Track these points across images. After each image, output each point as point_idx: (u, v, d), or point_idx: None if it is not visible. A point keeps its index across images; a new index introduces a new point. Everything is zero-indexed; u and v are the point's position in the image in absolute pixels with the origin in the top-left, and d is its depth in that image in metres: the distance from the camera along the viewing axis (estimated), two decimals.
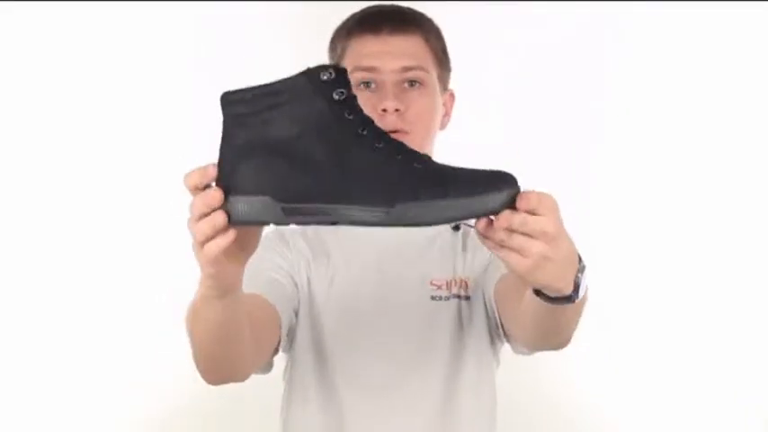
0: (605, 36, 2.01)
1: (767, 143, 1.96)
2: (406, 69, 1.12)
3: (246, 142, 0.74)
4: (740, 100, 1.94)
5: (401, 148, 0.74)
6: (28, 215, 1.88)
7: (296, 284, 1.17)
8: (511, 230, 0.72)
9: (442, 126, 1.21)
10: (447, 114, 1.23)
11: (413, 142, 1.10)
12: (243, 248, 0.81)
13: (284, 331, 1.11)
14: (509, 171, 0.73)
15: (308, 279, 1.17)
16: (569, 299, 0.79)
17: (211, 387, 1.02)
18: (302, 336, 1.17)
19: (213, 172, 0.77)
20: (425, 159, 0.75)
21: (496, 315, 1.11)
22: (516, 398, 1.30)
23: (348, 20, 1.19)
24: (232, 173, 0.75)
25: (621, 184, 2.01)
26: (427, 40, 1.15)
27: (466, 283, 1.16)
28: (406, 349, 1.13)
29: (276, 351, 1.12)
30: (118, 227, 1.94)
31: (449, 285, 1.15)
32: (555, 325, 0.92)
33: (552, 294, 0.79)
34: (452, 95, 1.23)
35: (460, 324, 1.15)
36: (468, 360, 1.15)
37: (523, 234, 0.71)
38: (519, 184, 0.73)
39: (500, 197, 0.70)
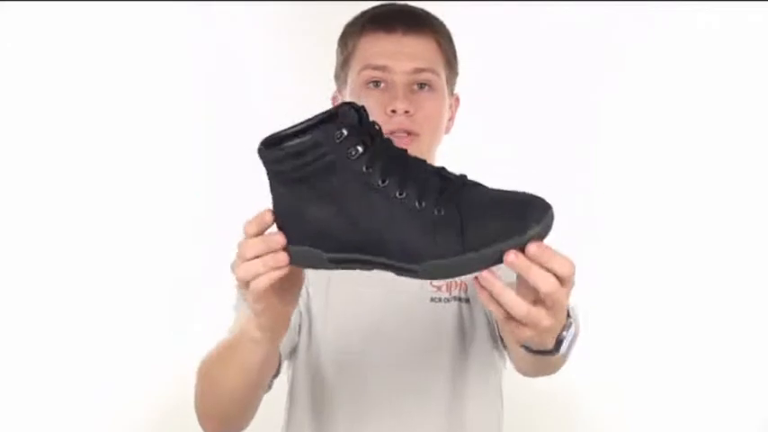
0: (605, 36, 2.01)
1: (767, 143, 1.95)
2: (418, 71, 1.10)
3: (289, 196, 0.75)
4: (741, 100, 1.94)
5: (422, 192, 0.71)
6: (27, 216, 1.88)
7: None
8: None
9: (447, 130, 1.20)
10: (452, 119, 1.22)
11: (421, 145, 1.09)
12: (291, 285, 0.82)
13: (284, 356, 1.10)
14: (539, 196, 0.71)
15: (305, 287, 1.16)
16: (550, 353, 0.80)
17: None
18: (301, 341, 1.16)
19: (270, 219, 0.77)
20: (447, 199, 0.71)
21: (495, 323, 1.10)
22: (520, 400, 1.29)
23: (360, 16, 1.16)
24: (281, 223, 0.76)
25: (622, 185, 2.00)
26: (440, 43, 1.14)
27: (465, 284, 1.15)
28: (407, 355, 1.11)
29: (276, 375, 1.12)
30: (118, 227, 1.94)
31: (449, 287, 1.14)
32: (543, 366, 0.93)
33: (534, 348, 0.80)
34: (458, 100, 1.23)
35: (462, 327, 1.13)
36: (471, 365, 1.13)
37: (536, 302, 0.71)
38: (551, 208, 0.71)
39: (528, 235, 0.68)
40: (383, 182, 0.71)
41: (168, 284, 1.97)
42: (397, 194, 0.71)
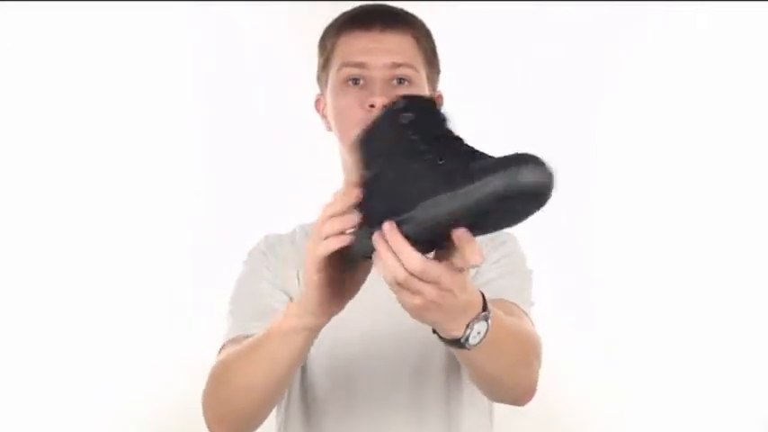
0: (603, 37, 2.01)
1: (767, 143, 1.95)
2: (396, 66, 1.10)
3: (373, 179, 0.76)
4: (740, 100, 1.94)
5: (436, 143, 0.74)
6: (27, 216, 1.88)
7: (291, 299, 1.15)
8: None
9: None
10: None
11: None
12: (349, 286, 0.83)
13: None
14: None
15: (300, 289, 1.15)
16: (458, 343, 0.78)
17: (200, 393, 1.01)
18: None
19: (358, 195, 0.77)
20: (456, 148, 0.74)
21: None
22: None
23: (338, 17, 1.17)
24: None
25: (622, 185, 2.00)
26: (418, 40, 1.14)
27: None
28: (400, 367, 1.10)
29: None
30: (118, 228, 1.94)
31: None
32: (474, 372, 0.92)
33: (441, 334, 0.79)
34: (441, 97, 1.23)
35: None
36: (466, 382, 1.11)
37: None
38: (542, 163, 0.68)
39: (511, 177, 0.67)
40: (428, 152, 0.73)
41: (168, 285, 1.97)
42: (439, 161, 0.72)
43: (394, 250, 0.70)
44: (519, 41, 2.07)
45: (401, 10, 1.15)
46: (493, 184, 0.66)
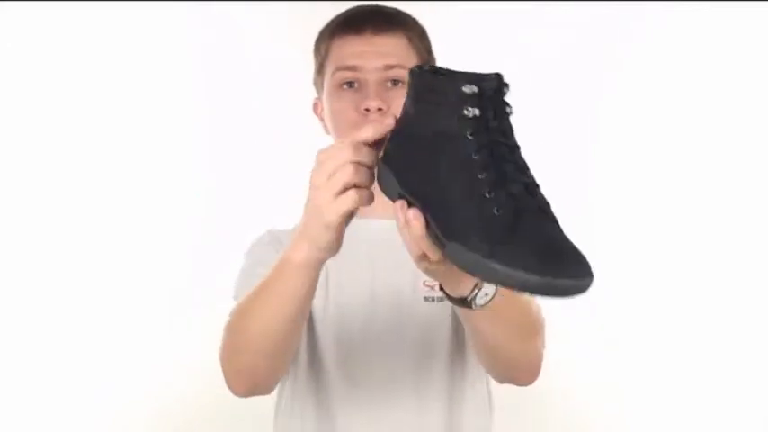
0: (601, 37, 2.01)
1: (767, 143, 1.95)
2: (389, 68, 1.10)
3: (406, 130, 0.76)
4: (739, 100, 1.94)
5: (498, 185, 0.70)
6: (26, 216, 1.88)
7: None
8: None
9: None
10: None
11: None
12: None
13: None
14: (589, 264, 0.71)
15: None
16: (465, 302, 0.80)
17: (203, 391, 1.01)
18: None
19: (392, 122, 0.78)
20: (512, 209, 0.69)
21: None
22: (521, 400, 1.29)
23: (331, 21, 1.17)
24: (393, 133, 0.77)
25: (622, 185, 2.01)
26: (411, 40, 1.14)
27: None
28: (401, 355, 1.11)
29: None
30: (118, 228, 1.94)
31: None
32: (478, 339, 0.93)
33: (448, 292, 0.81)
34: None
35: (456, 328, 1.14)
36: (467, 363, 1.12)
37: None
38: (591, 277, 0.69)
39: (553, 283, 0.67)
40: (475, 155, 0.71)
41: (168, 285, 1.97)
42: (480, 175, 0.70)
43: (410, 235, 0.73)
44: (517, 41, 2.07)
45: (394, 10, 1.15)
46: (527, 282, 0.66)
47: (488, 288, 0.80)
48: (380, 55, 1.09)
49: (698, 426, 1.91)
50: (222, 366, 0.97)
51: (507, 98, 0.75)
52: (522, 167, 0.74)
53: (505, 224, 0.68)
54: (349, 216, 0.80)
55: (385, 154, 0.78)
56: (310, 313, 1.13)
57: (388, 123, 0.77)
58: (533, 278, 0.66)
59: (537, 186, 0.73)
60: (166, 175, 2.00)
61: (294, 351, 1.00)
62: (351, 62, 1.09)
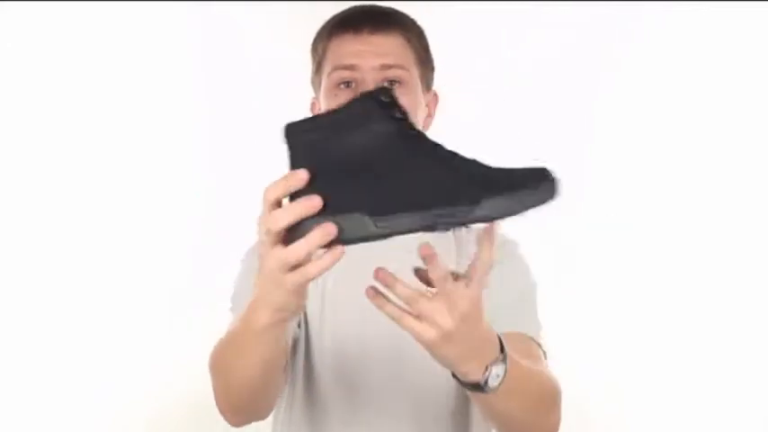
0: (599, 37, 2.01)
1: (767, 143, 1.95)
2: (386, 67, 1.09)
3: (324, 164, 0.73)
4: (738, 100, 1.94)
5: (451, 153, 0.75)
6: (26, 216, 1.87)
7: None
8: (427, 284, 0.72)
9: (425, 127, 1.20)
10: (430, 115, 1.21)
11: None
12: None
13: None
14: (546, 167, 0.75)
15: None
16: (478, 387, 0.78)
17: (203, 391, 1.01)
18: (299, 340, 1.15)
19: (305, 176, 0.70)
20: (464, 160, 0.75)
21: None
22: None
23: (329, 21, 1.17)
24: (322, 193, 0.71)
25: (622, 185, 2.00)
26: (408, 39, 1.13)
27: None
28: (405, 359, 1.08)
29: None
30: (118, 228, 1.94)
31: None
32: (492, 416, 0.91)
33: (460, 378, 0.79)
34: (436, 96, 1.22)
35: None
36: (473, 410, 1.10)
37: (435, 300, 0.72)
38: (556, 176, 0.74)
39: (536, 196, 0.73)
40: (423, 143, 0.74)
41: (168, 285, 1.97)
42: (435, 154, 0.73)
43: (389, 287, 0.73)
44: (515, 41, 2.07)
45: (391, 10, 1.15)
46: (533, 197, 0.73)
47: (498, 368, 0.78)
48: (378, 54, 1.09)
49: (698, 426, 1.91)
50: (215, 401, 0.98)
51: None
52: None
53: (469, 168, 0.74)
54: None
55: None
56: (304, 319, 1.12)
57: (302, 175, 0.72)
58: (533, 194, 0.73)
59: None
60: (166, 175, 2.00)
61: (282, 384, 1.00)
62: (348, 61, 1.09)
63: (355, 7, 1.16)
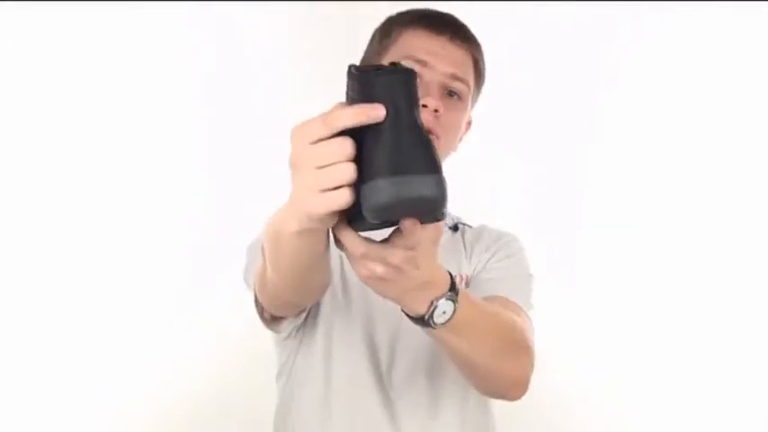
0: (599, 37, 2.01)
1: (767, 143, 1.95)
2: (455, 77, 1.12)
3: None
4: (738, 100, 1.94)
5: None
6: (27, 216, 1.87)
7: None
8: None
9: (455, 148, 1.22)
10: (461, 138, 1.24)
11: (439, 149, 1.10)
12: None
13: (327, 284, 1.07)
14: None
15: None
16: (423, 321, 0.80)
17: (203, 391, 1.01)
18: (310, 337, 1.16)
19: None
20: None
21: None
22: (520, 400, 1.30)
23: (407, 13, 1.18)
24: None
25: (622, 185, 2.00)
26: (476, 59, 1.17)
27: (468, 278, 1.16)
28: (414, 350, 1.11)
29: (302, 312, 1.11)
30: (118, 228, 1.94)
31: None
32: (453, 356, 0.92)
33: (405, 311, 0.81)
34: (470, 123, 1.25)
35: None
36: None
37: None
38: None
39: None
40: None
41: (168, 285, 1.97)
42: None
43: (338, 238, 0.74)
44: (515, 41, 2.07)
45: (466, 26, 1.18)
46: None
47: (445, 305, 0.80)
48: (452, 62, 1.12)
49: (698, 426, 1.91)
50: (259, 296, 1.00)
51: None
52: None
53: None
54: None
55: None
56: (319, 310, 1.13)
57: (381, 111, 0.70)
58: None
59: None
60: (166, 175, 2.00)
61: (327, 266, 0.96)
62: (423, 56, 1.11)
63: (437, 10, 1.19)
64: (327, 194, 0.68)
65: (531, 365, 0.99)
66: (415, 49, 1.12)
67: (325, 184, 0.68)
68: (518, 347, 0.96)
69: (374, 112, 0.68)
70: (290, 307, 1.04)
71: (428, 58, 1.11)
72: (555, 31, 2.06)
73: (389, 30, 1.17)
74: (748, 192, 1.93)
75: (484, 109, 1.27)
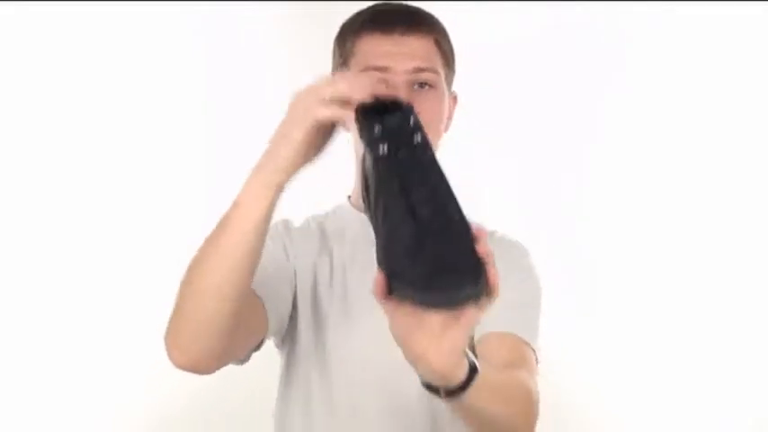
0: (600, 36, 2.01)
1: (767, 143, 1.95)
2: (419, 70, 1.09)
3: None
4: (743, 100, 1.94)
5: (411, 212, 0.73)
6: (27, 216, 1.87)
7: (294, 285, 1.15)
8: None
9: (446, 128, 1.20)
10: (450, 117, 1.21)
11: None
12: (313, 150, 0.86)
13: (272, 327, 1.09)
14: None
15: (315, 280, 1.16)
16: (432, 389, 0.79)
17: (203, 391, 1.01)
18: (306, 337, 1.15)
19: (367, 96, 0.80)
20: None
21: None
22: None
23: (357, 17, 1.15)
24: None
25: (620, 185, 2.00)
26: (438, 42, 1.13)
27: None
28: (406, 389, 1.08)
29: (258, 347, 1.11)
30: (118, 227, 1.94)
31: None
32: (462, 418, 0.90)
33: (435, 383, 0.78)
34: (455, 98, 1.22)
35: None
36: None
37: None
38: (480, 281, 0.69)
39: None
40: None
41: (168, 285, 1.96)
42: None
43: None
44: (516, 41, 2.07)
45: (420, 10, 1.14)
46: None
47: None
48: (411, 57, 1.09)
49: (697, 425, 1.91)
50: (165, 335, 1.00)
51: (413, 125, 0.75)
52: (434, 187, 0.73)
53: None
54: (322, 139, 0.83)
55: None
56: (316, 310, 1.13)
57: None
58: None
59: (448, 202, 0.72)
60: (166, 175, 2.00)
61: (237, 317, 0.97)
62: (380, 63, 1.08)
63: (384, 5, 1.15)
64: (332, 107, 0.78)
65: (536, 416, 0.98)
66: (372, 56, 1.09)
67: (330, 93, 0.78)
68: (527, 413, 0.96)
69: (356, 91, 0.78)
70: (206, 342, 0.99)
71: (386, 62, 1.08)
72: (555, 31, 2.06)
73: (344, 42, 1.15)
74: (749, 192, 1.93)
75: (483, 109, 1.26)
